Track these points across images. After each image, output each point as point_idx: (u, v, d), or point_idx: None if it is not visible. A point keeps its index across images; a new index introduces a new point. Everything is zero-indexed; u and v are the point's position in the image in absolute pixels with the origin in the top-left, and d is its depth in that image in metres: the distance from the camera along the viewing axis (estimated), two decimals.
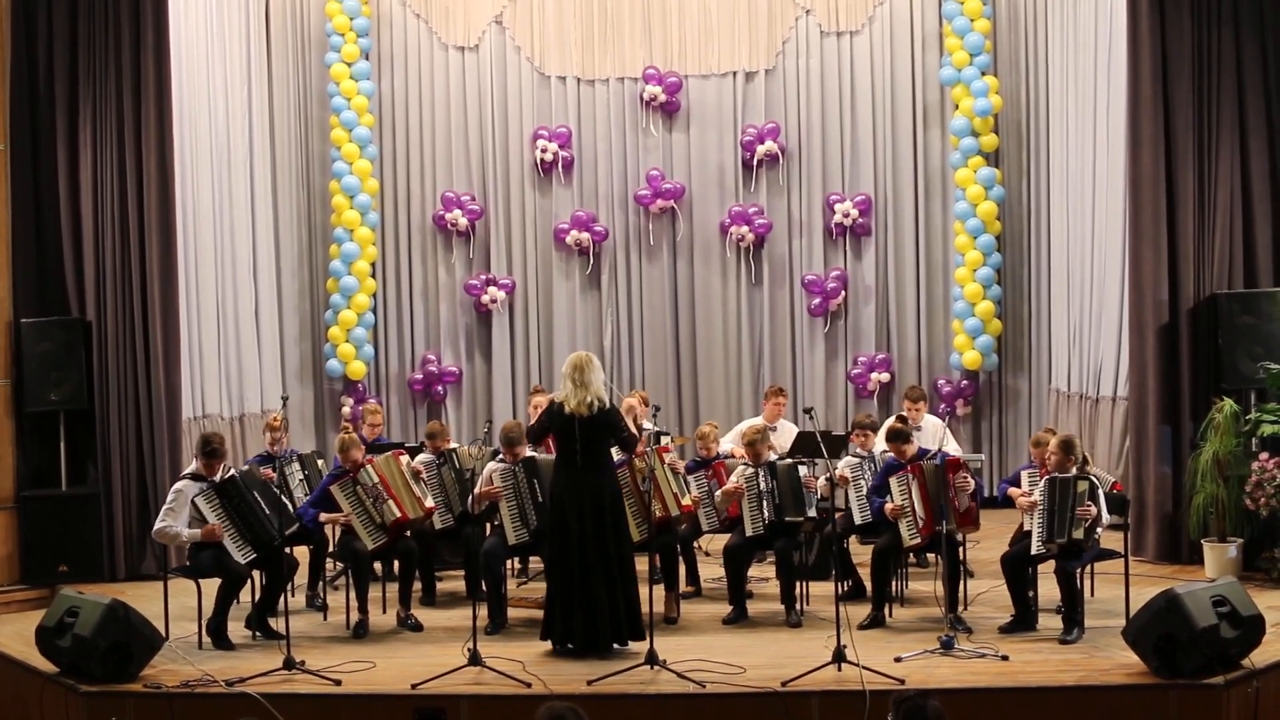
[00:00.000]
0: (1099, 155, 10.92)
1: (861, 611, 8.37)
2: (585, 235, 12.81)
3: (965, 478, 8.27)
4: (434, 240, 13.11)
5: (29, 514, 9.83)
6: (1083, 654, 7.59)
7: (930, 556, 9.31)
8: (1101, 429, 10.84)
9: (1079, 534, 7.85)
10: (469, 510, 8.85)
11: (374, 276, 13.01)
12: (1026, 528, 8.17)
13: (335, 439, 9.49)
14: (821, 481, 8.91)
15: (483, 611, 8.22)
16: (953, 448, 9.65)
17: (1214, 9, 9.73)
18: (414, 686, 7.21)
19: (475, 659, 7.41)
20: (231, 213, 11.59)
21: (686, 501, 8.90)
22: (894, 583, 8.74)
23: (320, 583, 9.25)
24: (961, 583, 8.45)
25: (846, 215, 12.61)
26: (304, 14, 12.95)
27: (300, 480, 9.39)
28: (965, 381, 12.53)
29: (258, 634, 8.32)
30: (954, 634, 7.76)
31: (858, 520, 9.00)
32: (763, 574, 9.48)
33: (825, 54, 12.80)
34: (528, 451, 8.69)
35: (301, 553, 8.97)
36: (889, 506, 8.38)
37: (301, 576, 9.01)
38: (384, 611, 8.87)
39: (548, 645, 7.89)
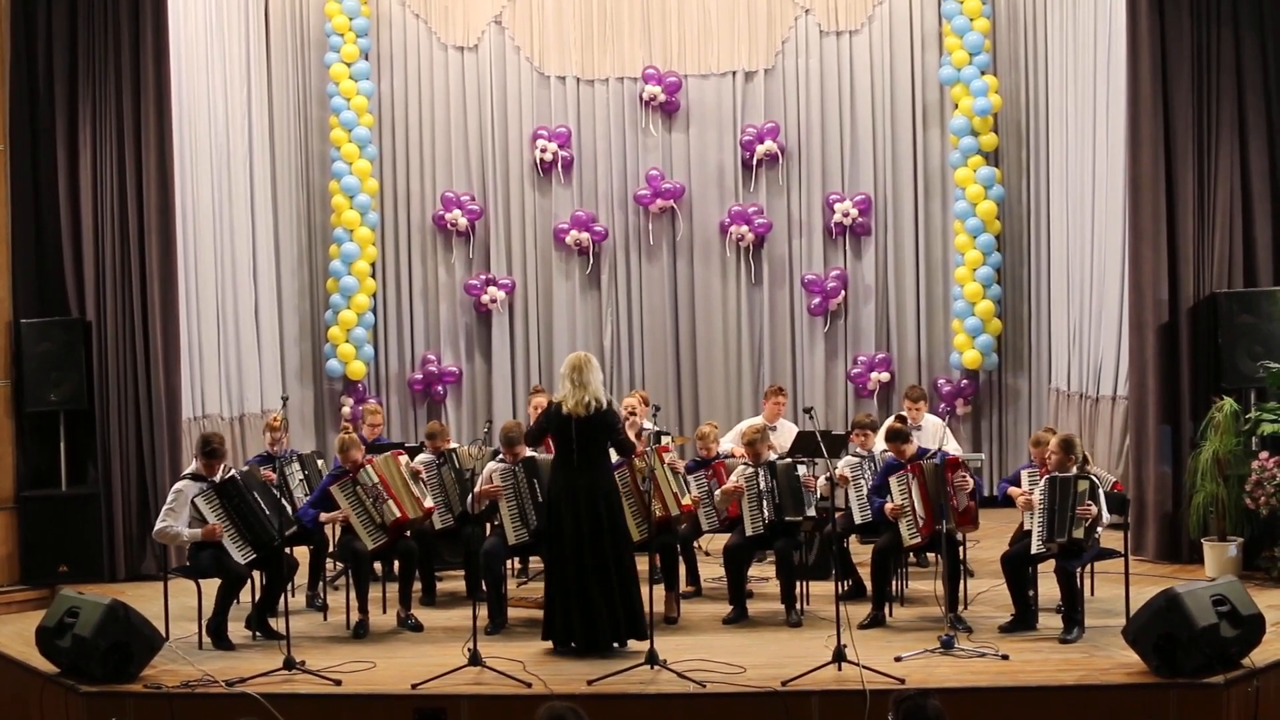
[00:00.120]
0: (1099, 154, 10.92)
1: (861, 611, 8.37)
2: (585, 235, 12.82)
3: (964, 477, 8.27)
4: (434, 240, 13.11)
5: (29, 514, 9.83)
6: (1083, 653, 7.59)
7: (930, 556, 9.31)
8: (1101, 428, 10.84)
9: (1079, 533, 7.85)
10: (469, 510, 8.85)
11: (374, 276, 13.01)
12: (1026, 527, 8.17)
13: (335, 439, 9.49)
14: (821, 481, 8.91)
15: (483, 611, 8.22)
16: (953, 447, 9.66)
17: (1213, 8, 9.73)
18: (414, 686, 7.21)
19: (475, 659, 7.41)
20: (231, 213, 11.59)
21: (686, 501, 8.90)
22: (894, 582, 8.74)
23: (320, 583, 9.25)
24: (961, 582, 8.45)
25: (846, 215, 12.62)
26: (303, 14, 12.95)
27: (300, 480, 9.39)
28: (965, 381, 12.53)
29: (258, 634, 8.32)
30: (954, 633, 7.76)
31: (858, 520, 9.00)
32: (763, 574, 9.48)
33: (825, 53, 12.80)
34: (528, 451, 8.69)
35: (301, 553, 8.97)
36: (889, 507, 8.39)
37: (301, 577, 9.01)
38: (384, 611, 8.87)
39: (548, 645, 7.89)
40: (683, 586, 9.03)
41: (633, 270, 12.99)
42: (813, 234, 12.82)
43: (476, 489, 8.55)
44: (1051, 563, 7.92)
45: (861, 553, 9.09)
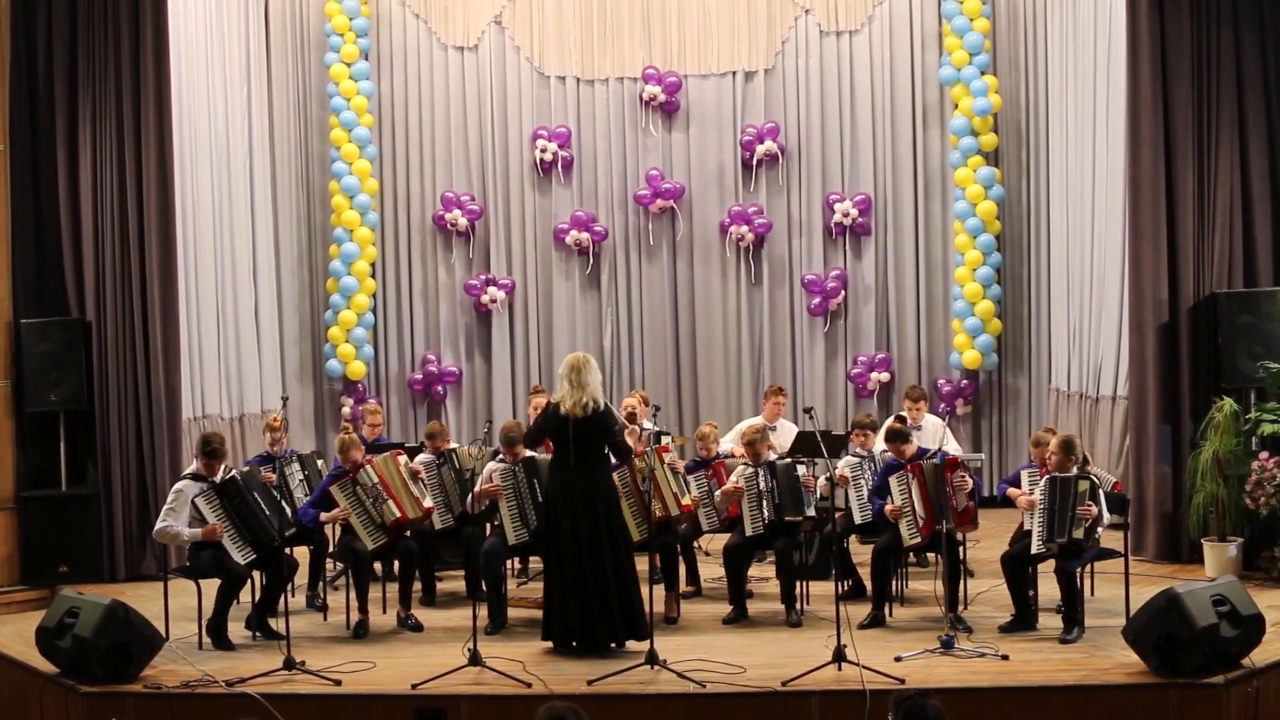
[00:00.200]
0: (1099, 154, 10.92)
1: (861, 611, 8.37)
2: (585, 235, 12.81)
3: (963, 477, 8.27)
4: (434, 240, 13.11)
5: (29, 514, 9.83)
6: (1083, 653, 7.60)
7: (930, 556, 9.31)
8: (1101, 428, 10.84)
9: (1079, 534, 7.85)
10: (469, 510, 8.85)
11: (374, 277, 13.01)
12: (1026, 527, 8.17)
13: (335, 439, 9.49)
14: (821, 481, 8.91)
15: (483, 611, 8.22)
16: (953, 447, 9.66)
17: (1213, 8, 9.73)
18: (414, 686, 7.21)
19: (475, 659, 7.41)
20: (231, 213, 11.59)
21: (686, 501, 8.90)
22: (894, 582, 8.74)
23: (320, 583, 9.25)
24: (961, 582, 8.46)
25: (846, 215, 12.61)
26: (303, 14, 12.95)
27: (300, 481, 9.39)
28: (965, 381, 12.53)
29: (258, 634, 8.32)
30: (954, 633, 7.76)
31: (858, 520, 9.00)
32: (763, 574, 9.48)
33: (825, 54, 12.80)
34: (527, 451, 8.69)
35: (301, 553, 8.97)
36: (888, 509, 8.38)
37: (301, 577, 9.01)
38: (384, 611, 8.87)
39: (548, 645, 7.90)
40: (683, 586, 9.03)
41: (633, 270, 12.99)
42: (813, 234, 12.82)
43: (476, 489, 8.55)
44: (1051, 563, 7.93)
45: (861, 553, 9.09)
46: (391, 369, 13.16)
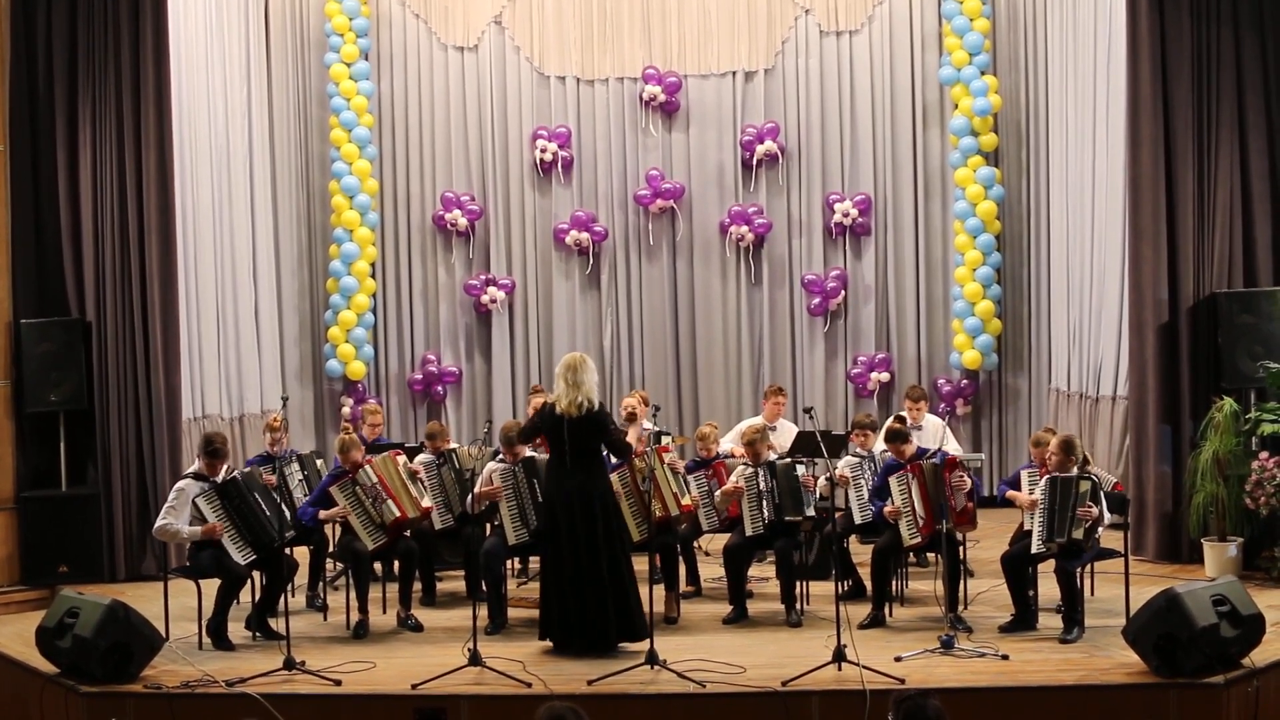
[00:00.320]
0: (1098, 154, 10.92)
1: (861, 611, 8.37)
2: (585, 235, 12.82)
3: (962, 477, 8.27)
4: (434, 240, 13.11)
5: (29, 514, 9.83)
6: (1083, 653, 7.60)
7: (930, 556, 9.31)
8: (1101, 428, 10.84)
9: (1079, 534, 7.85)
10: (469, 510, 8.85)
11: (374, 277, 13.01)
12: (1027, 527, 8.17)
13: (335, 439, 9.48)
14: (822, 481, 8.91)
15: (483, 611, 8.22)
16: (953, 447, 9.66)
17: (1213, 8, 9.73)
18: (414, 686, 7.21)
19: (475, 659, 7.41)
20: (231, 213, 11.59)
21: (686, 501, 8.89)
22: (894, 582, 8.74)
23: (320, 583, 9.25)
24: (961, 582, 8.45)
25: (846, 215, 12.62)
26: (303, 14, 12.95)
27: (300, 481, 9.39)
28: (965, 381, 12.53)
29: (258, 634, 8.32)
30: (954, 633, 7.76)
31: (858, 520, 9.00)
32: (763, 574, 9.48)
33: (825, 54, 12.80)
34: (527, 451, 8.69)
35: (301, 553, 8.97)
36: (887, 509, 8.38)
37: (301, 577, 9.01)
38: (384, 611, 8.87)
39: (548, 645, 7.90)
40: (683, 586, 9.03)
41: (633, 270, 12.99)
42: (813, 234, 12.82)
43: (476, 489, 8.55)
44: (1051, 563, 7.93)
45: (861, 553, 9.09)
46: (391, 369, 13.16)
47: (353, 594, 8.55)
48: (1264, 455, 9.27)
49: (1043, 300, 12.28)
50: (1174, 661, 7.01)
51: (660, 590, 8.41)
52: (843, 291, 12.71)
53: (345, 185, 12.73)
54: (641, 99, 12.87)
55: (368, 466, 8.58)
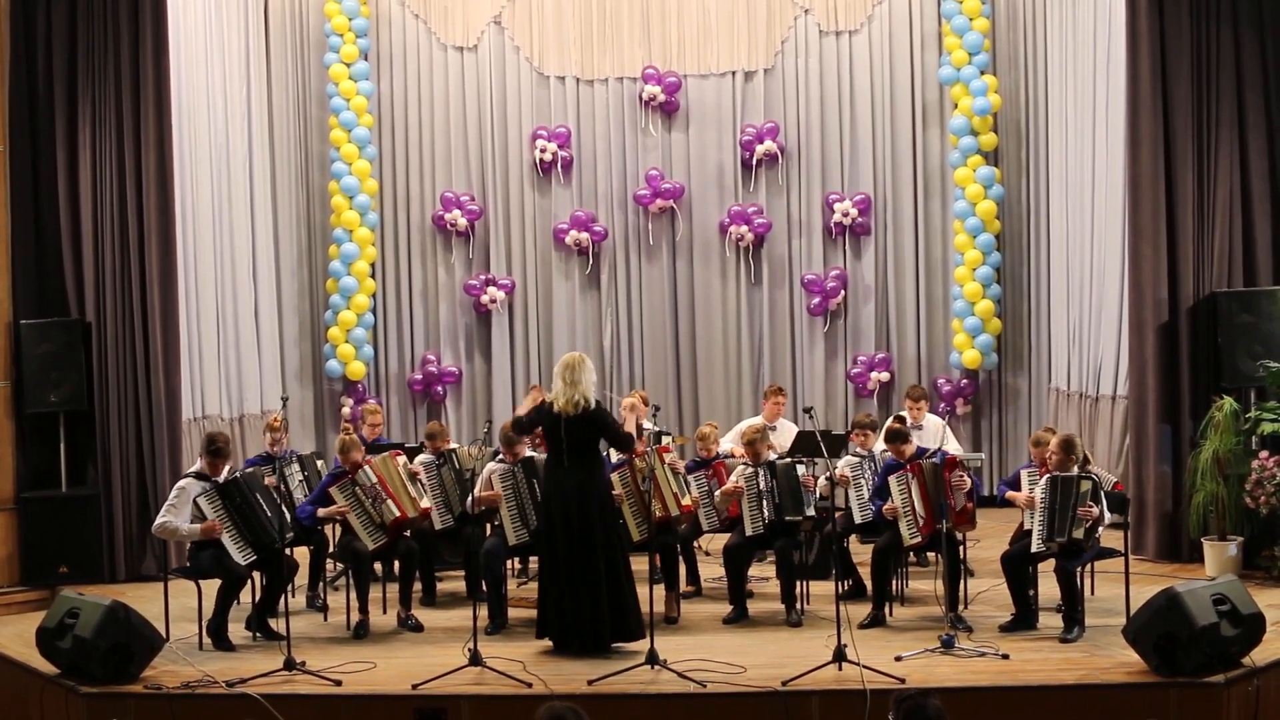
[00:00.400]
0: (1098, 154, 10.92)
1: (862, 611, 8.37)
2: (585, 235, 12.82)
3: (961, 477, 8.27)
4: (433, 240, 13.11)
5: (29, 515, 9.83)
6: (1083, 652, 7.60)
7: (930, 555, 9.31)
8: (1101, 428, 10.84)
9: (1079, 534, 7.85)
10: (469, 511, 8.85)
11: (373, 277, 13.01)
12: (1027, 526, 8.17)
13: (335, 440, 9.48)
14: (822, 481, 8.91)
15: (483, 611, 8.22)
16: (953, 447, 9.67)
17: (1213, 7, 9.73)
18: (414, 687, 7.21)
19: (475, 659, 7.41)
20: (231, 213, 11.59)
21: (686, 502, 8.89)
22: (894, 582, 8.74)
23: (320, 583, 9.25)
24: (962, 581, 8.45)
25: (846, 215, 12.62)
26: (303, 14, 12.95)
27: (300, 481, 9.39)
28: (965, 380, 12.53)
29: (258, 635, 8.32)
30: (954, 633, 7.76)
31: (858, 519, 9.00)
32: (763, 573, 9.48)
33: (824, 53, 12.80)
34: (527, 451, 8.70)
35: (301, 553, 8.97)
36: (886, 508, 8.38)
37: (302, 577, 9.01)
38: (384, 612, 8.87)
39: (548, 645, 7.90)
40: (683, 586, 9.04)
41: (632, 270, 12.99)
42: (812, 234, 12.82)
43: (476, 491, 8.54)
44: (1051, 562, 7.92)
45: (861, 552, 9.09)
46: (391, 369, 13.16)
47: (353, 594, 8.55)
48: (1264, 454, 9.27)
49: (1043, 300, 12.28)
50: (1174, 661, 7.01)
51: (660, 590, 8.41)
52: (842, 291, 12.71)
53: (345, 185, 12.73)
54: (641, 99, 12.87)
55: (367, 466, 8.58)
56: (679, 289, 12.98)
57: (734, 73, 12.87)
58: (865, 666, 7.14)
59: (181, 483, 8.35)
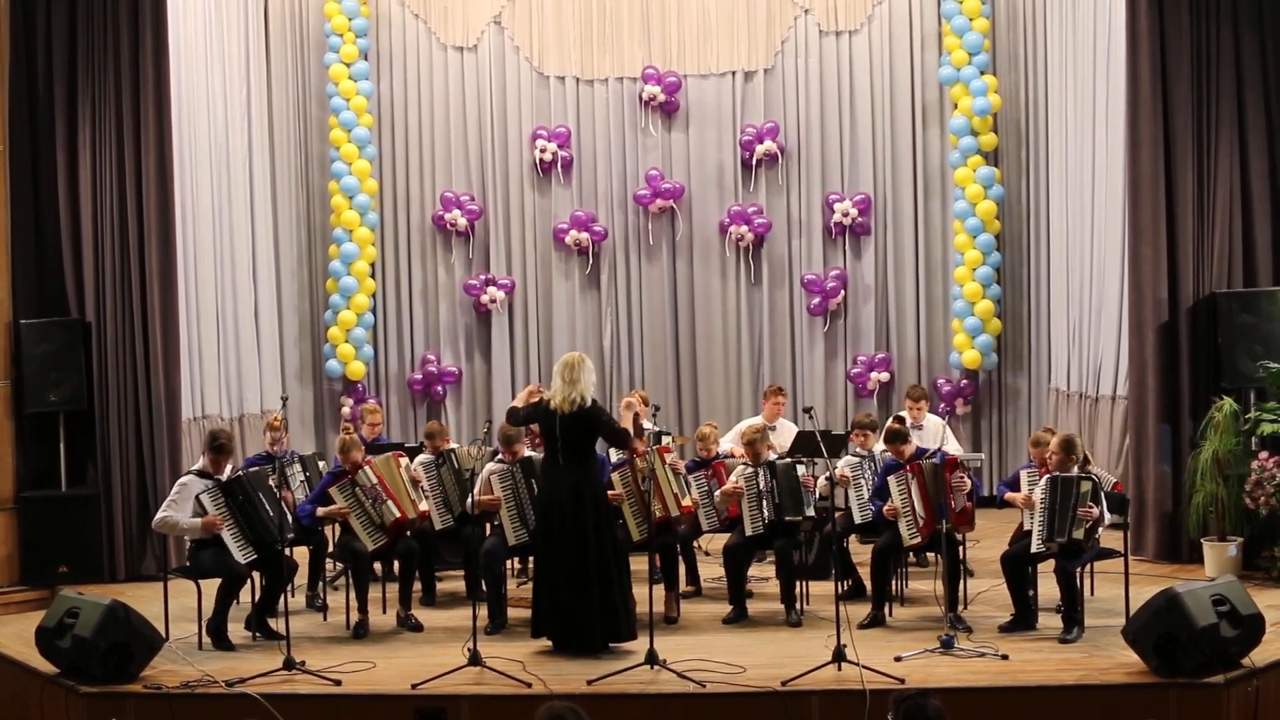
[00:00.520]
0: (1098, 154, 10.92)
1: (861, 611, 8.37)
2: (584, 235, 12.82)
3: (962, 477, 8.27)
4: (433, 240, 13.11)
5: (29, 515, 9.83)
6: (1083, 653, 7.60)
7: (930, 556, 9.31)
8: (1101, 428, 10.84)
9: (1079, 534, 7.85)
10: (468, 511, 8.85)
11: (373, 277, 13.02)
12: (1026, 527, 8.17)
13: (336, 439, 9.48)
14: (821, 481, 8.91)
15: (483, 611, 8.23)
16: (953, 447, 9.67)
17: (1213, 7, 9.73)
18: (414, 686, 7.21)
19: (475, 659, 7.41)
20: (231, 213, 11.59)
21: (687, 502, 8.89)
22: (894, 582, 8.74)
23: (320, 583, 9.25)
24: (961, 582, 8.45)
25: (846, 214, 12.62)
26: (303, 14, 12.95)
27: (301, 482, 9.39)
28: (965, 381, 12.53)
29: (258, 635, 8.32)
30: (954, 633, 7.76)
31: (857, 519, 9.00)
32: (763, 573, 9.49)
33: (824, 53, 12.81)
34: (526, 451, 8.70)
35: (301, 553, 8.97)
36: (886, 508, 8.38)
37: (301, 577, 9.01)
38: (384, 611, 8.87)
39: (547, 645, 7.90)
40: (683, 586, 9.03)
41: (632, 270, 12.99)
42: (812, 234, 12.82)
43: (475, 493, 8.54)
44: (1051, 562, 7.92)
45: (861, 552, 9.09)
46: (391, 369, 13.16)
47: (353, 594, 8.55)
48: (1264, 455, 9.27)
49: (1042, 300, 12.28)
50: (1174, 661, 7.01)
51: (660, 590, 8.42)
52: (842, 291, 12.71)
53: (345, 185, 12.73)
54: (641, 99, 12.87)
55: (367, 467, 8.58)
56: (679, 289, 12.98)
57: (734, 73, 12.87)
58: (865, 667, 7.14)
59: (184, 479, 8.36)
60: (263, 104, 12.31)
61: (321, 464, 9.78)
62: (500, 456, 8.76)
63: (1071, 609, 7.88)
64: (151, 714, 7.22)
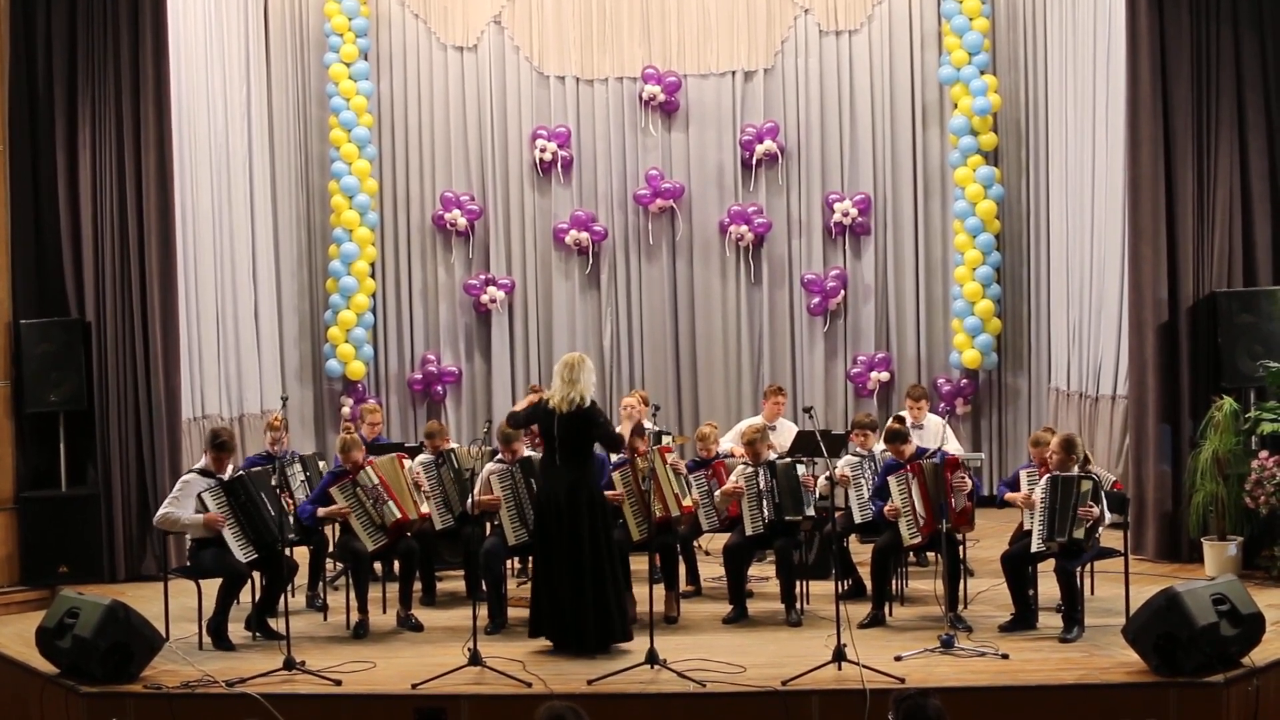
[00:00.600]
0: (1098, 154, 10.93)
1: (861, 610, 8.37)
2: (584, 235, 12.82)
3: (962, 477, 8.27)
4: (433, 240, 13.11)
5: (29, 515, 9.83)
6: (1083, 652, 7.60)
7: (930, 555, 9.31)
8: (1101, 427, 10.84)
9: (1079, 534, 7.85)
10: (469, 511, 8.85)
11: (373, 277, 13.02)
12: (1026, 526, 8.17)
13: (337, 439, 9.48)
14: (822, 481, 8.91)
15: (483, 611, 8.23)
16: (954, 447, 9.67)
17: (1212, 6, 9.73)
18: (414, 686, 7.22)
19: (475, 659, 7.41)
20: (231, 213, 11.59)
21: (687, 503, 8.88)
22: (894, 581, 8.74)
23: (320, 583, 9.25)
24: (961, 581, 8.45)
25: (846, 214, 12.62)
26: (303, 14, 12.95)
27: (302, 482, 9.39)
28: (965, 380, 12.54)
29: (258, 635, 8.32)
30: (954, 632, 7.77)
31: (857, 519, 9.00)
32: (763, 573, 9.49)
33: (824, 53, 12.81)
34: (525, 451, 8.70)
35: (301, 553, 8.97)
36: (886, 509, 8.38)
37: (301, 577, 9.01)
38: (384, 611, 8.87)
39: (547, 645, 7.90)
40: (683, 586, 9.03)
41: (632, 270, 12.99)
42: (812, 234, 12.82)
43: (475, 493, 8.54)
44: (1051, 562, 7.93)
45: (861, 552, 9.09)
46: (391, 369, 13.16)
47: (353, 594, 8.56)
48: (1264, 454, 9.27)
49: (1042, 300, 12.28)
50: (1174, 660, 7.01)
51: (660, 590, 8.41)
52: (842, 291, 12.71)
53: (345, 185, 12.73)
54: (641, 99, 12.87)
55: (369, 468, 8.58)
56: (679, 289, 12.98)
57: (734, 72, 12.87)
58: (865, 666, 7.14)
59: (186, 477, 8.37)
60: (263, 104, 12.31)
61: (322, 464, 9.78)
62: (500, 456, 8.76)
63: (1071, 608, 7.88)
64: (151, 714, 7.22)
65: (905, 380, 12.39)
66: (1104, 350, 10.85)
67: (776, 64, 12.85)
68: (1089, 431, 10.93)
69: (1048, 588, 8.15)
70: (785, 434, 10.25)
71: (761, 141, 12.70)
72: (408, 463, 8.93)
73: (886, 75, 12.74)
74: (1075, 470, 7.96)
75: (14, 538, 9.79)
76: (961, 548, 8.67)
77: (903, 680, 7.04)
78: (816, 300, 12.69)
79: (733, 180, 12.90)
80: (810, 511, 8.69)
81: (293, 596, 8.44)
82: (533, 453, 8.72)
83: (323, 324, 12.95)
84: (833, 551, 8.79)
